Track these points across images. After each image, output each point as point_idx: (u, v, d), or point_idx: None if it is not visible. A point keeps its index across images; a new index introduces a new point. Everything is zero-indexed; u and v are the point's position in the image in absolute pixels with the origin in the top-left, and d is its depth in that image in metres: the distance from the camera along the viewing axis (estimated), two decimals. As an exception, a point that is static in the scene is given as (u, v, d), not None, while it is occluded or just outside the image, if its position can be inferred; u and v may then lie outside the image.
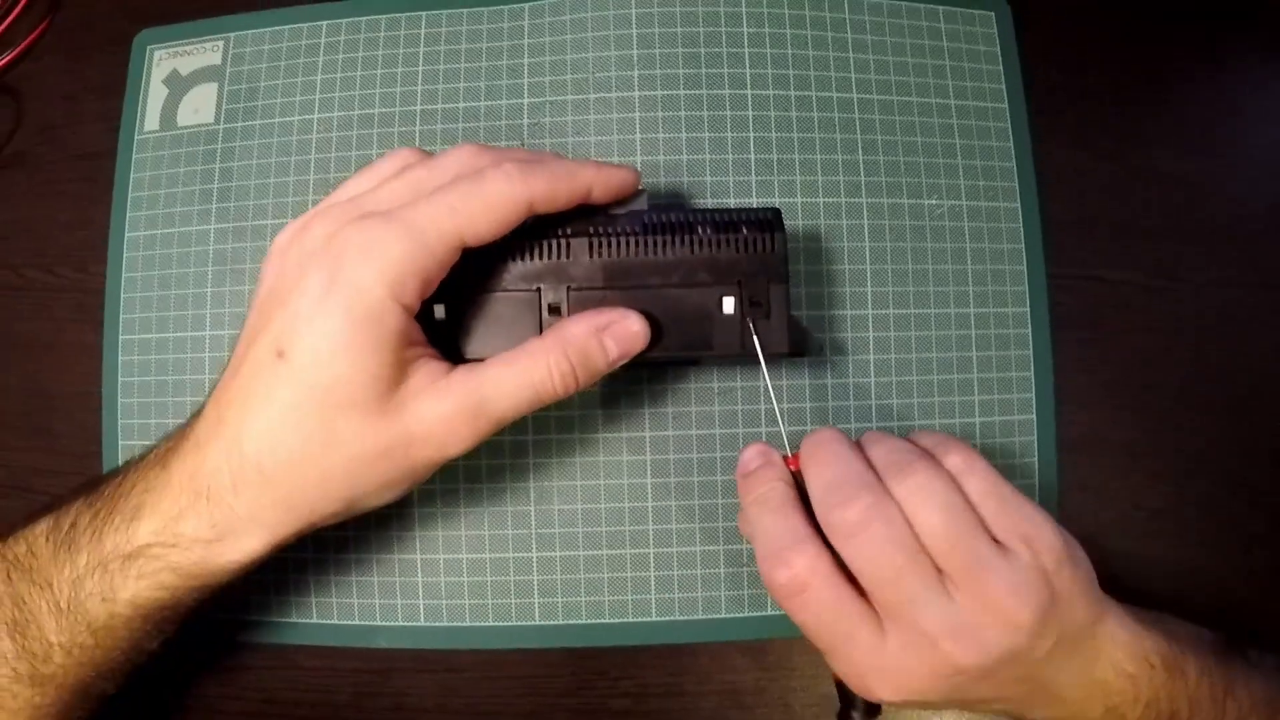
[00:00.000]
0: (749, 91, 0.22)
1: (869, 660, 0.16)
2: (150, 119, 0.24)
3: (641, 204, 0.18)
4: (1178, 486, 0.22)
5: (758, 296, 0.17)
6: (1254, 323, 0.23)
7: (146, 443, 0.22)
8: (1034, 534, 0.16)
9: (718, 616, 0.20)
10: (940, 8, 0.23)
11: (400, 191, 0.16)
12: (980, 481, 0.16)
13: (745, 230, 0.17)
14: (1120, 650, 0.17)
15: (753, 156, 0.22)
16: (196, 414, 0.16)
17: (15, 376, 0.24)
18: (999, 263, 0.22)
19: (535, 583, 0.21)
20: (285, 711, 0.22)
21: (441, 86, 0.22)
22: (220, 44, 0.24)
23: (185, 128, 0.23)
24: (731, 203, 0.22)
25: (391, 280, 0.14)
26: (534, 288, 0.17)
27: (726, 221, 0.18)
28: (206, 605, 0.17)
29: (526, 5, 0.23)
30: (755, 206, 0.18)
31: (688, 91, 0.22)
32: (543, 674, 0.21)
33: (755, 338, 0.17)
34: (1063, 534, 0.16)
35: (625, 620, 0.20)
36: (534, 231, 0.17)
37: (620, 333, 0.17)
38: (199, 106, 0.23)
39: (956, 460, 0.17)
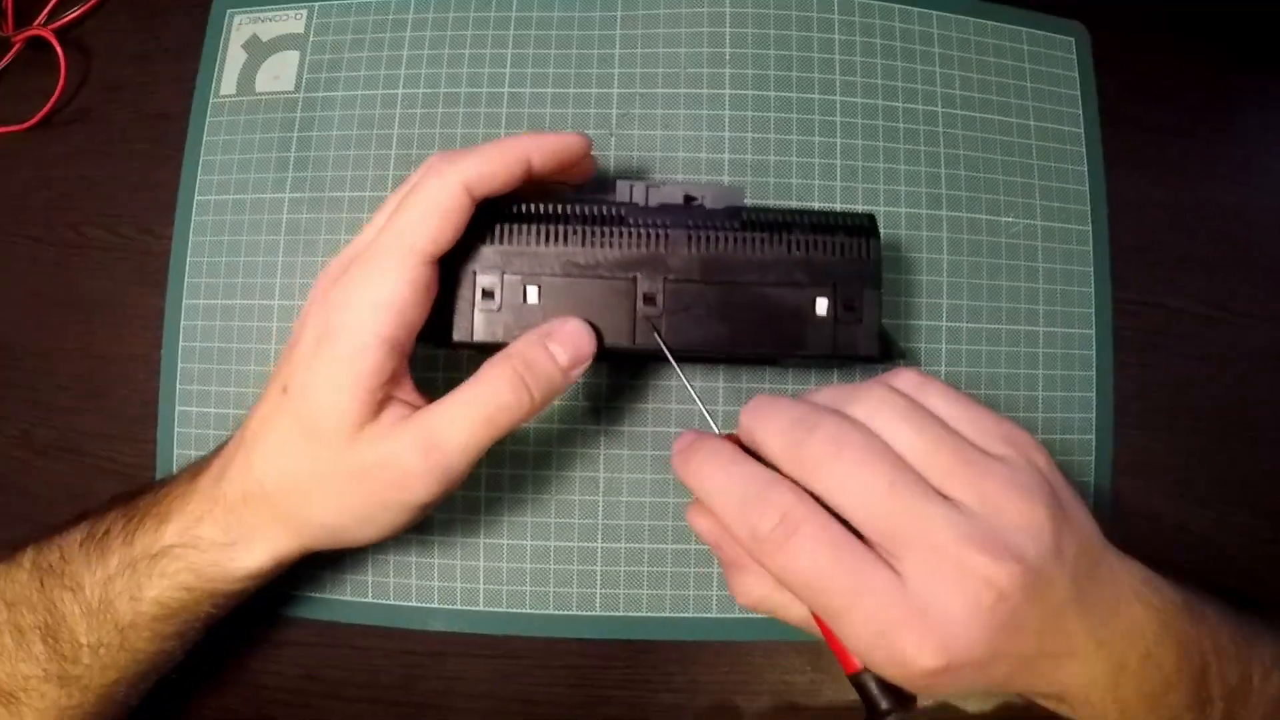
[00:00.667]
0: (838, 98, 0.22)
1: (892, 610, 0.13)
2: (227, 83, 0.23)
3: (738, 199, 0.19)
4: (1223, 514, 0.23)
5: (850, 300, 0.18)
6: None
7: (204, 409, 0.22)
8: (1015, 436, 0.14)
9: (779, 617, 0.21)
10: (1024, 29, 0.24)
11: (373, 230, 0.17)
12: (940, 393, 0.15)
13: (842, 234, 0.18)
14: (1140, 581, 0.15)
15: (838, 162, 0.22)
16: (228, 439, 0.18)
17: (71, 337, 0.24)
18: (1068, 284, 0.23)
19: (598, 573, 0.21)
20: (330, 690, 0.22)
21: (531, 71, 0.22)
22: (304, 12, 0.24)
23: (264, 94, 0.23)
24: (816, 206, 0.22)
25: (370, 320, 0.16)
26: (630, 276, 0.17)
27: (823, 224, 0.18)
28: (220, 617, 0.18)
29: (620, -3, 0.23)
30: (849, 211, 0.18)
31: (778, 93, 0.22)
32: (596, 665, 0.21)
33: (847, 339, 0.17)
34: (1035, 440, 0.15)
35: (683, 615, 0.21)
36: (628, 221, 0.17)
37: (562, 336, 0.17)
38: (279, 73, 0.23)
39: (909, 377, 0.15)
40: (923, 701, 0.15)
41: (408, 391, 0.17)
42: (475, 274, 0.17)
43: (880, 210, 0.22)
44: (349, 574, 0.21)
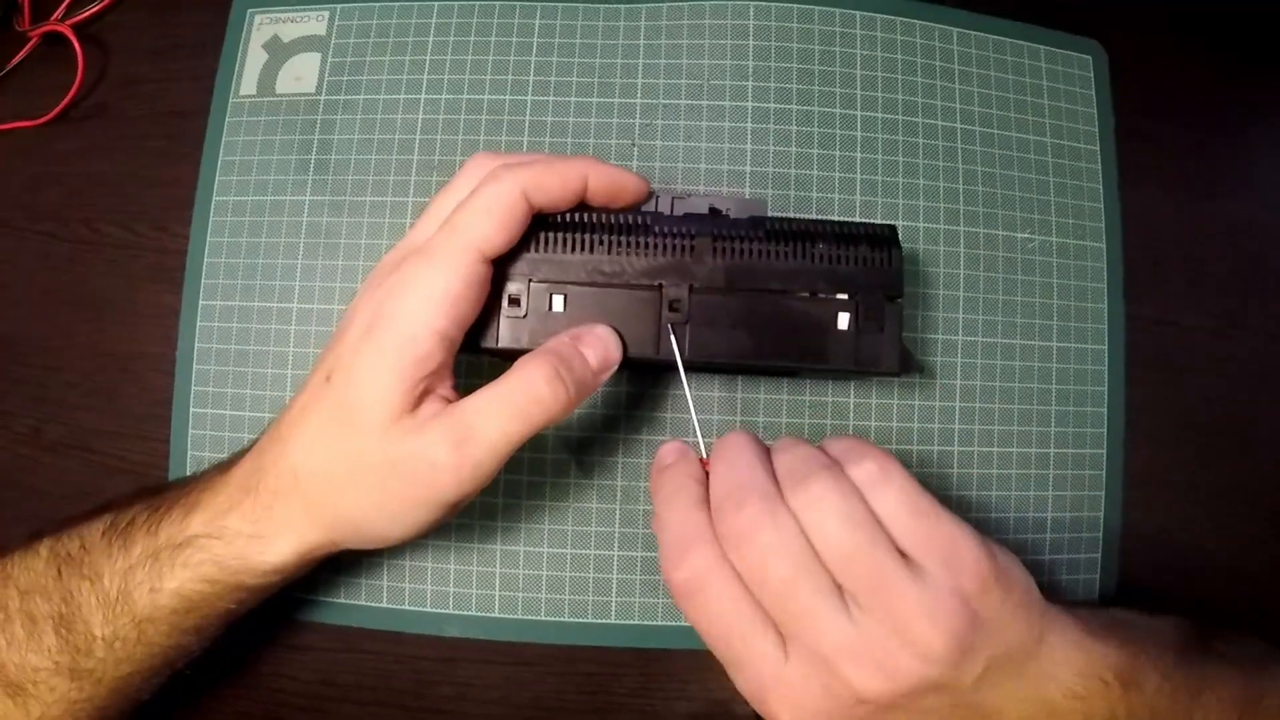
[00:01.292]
0: (858, 112, 0.23)
1: (769, 677, 0.15)
2: (247, 83, 0.24)
3: (761, 210, 0.19)
4: (1232, 528, 0.23)
5: (872, 311, 0.18)
6: (1314, 377, 0.24)
7: (219, 411, 0.22)
8: (955, 553, 0.15)
9: (794, 627, 0.21)
10: (1042, 48, 0.24)
11: (427, 225, 0.18)
12: (896, 492, 0.15)
13: (864, 245, 0.18)
14: (1067, 669, 0.16)
15: (858, 176, 0.22)
16: (263, 431, 0.18)
17: (82, 334, 0.24)
18: (1082, 300, 0.23)
19: (614, 581, 0.21)
20: (343, 694, 0.22)
21: (554, 79, 0.23)
22: (326, 15, 0.24)
23: (284, 95, 0.23)
24: (836, 218, 0.22)
25: (421, 310, 0.16)
26: (655, 284, 0.18)
27: (845, 234, 0.18)
28: (240, 614, 0.18)
29: (644, 6, 0.23)
30: (871, 222, 0.19)
31: (800, 107, 0.22)
32: (611, 673, 0.21)
33: (867, 352, 0.18)
34: (991, 551, 0.15)
35: (698, 625, 0.21)
36: (653, 230, 0.18)
37: (590, 339, 0.17)
38: (300, 75, 0.23)
39: (871, 468, 0.15)
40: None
41: (448, 389, 0.17)
42: (503, 281, 0.18)
43: (899, 224, 0.22)
44: (364, 579, 0.21)
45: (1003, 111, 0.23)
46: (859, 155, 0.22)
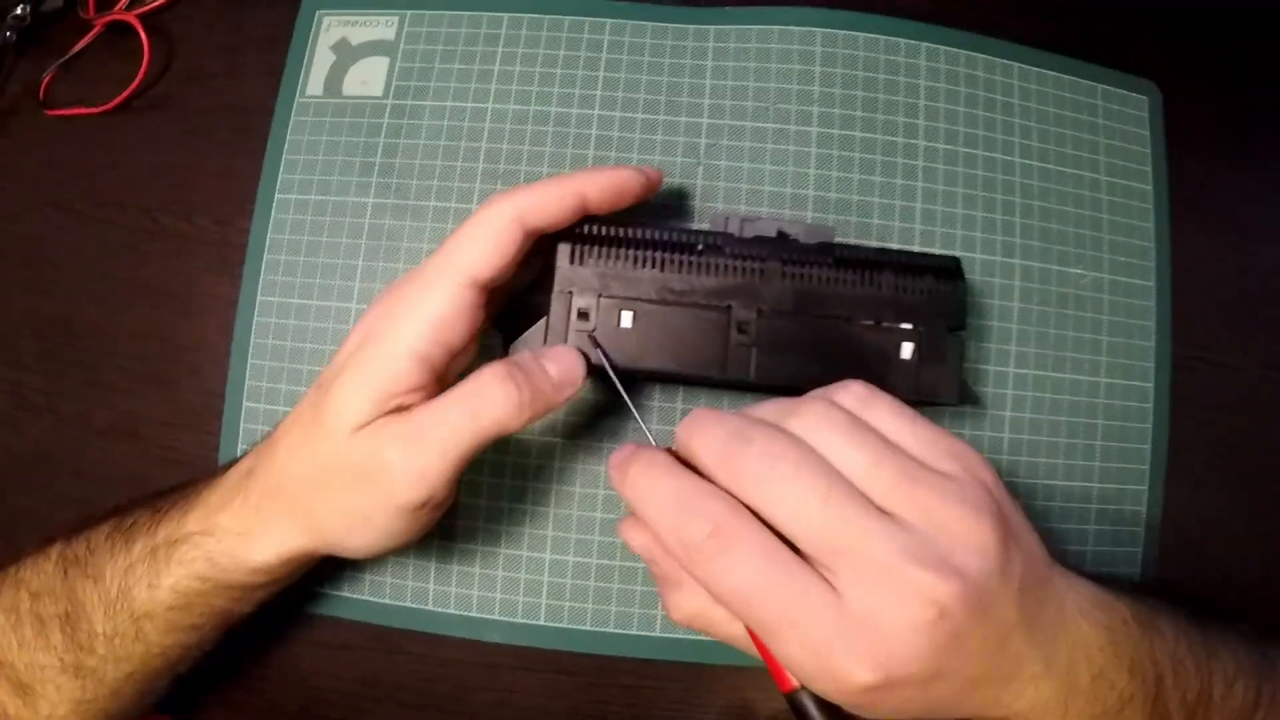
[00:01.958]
0: (920, 142, 0.23)
1: (827, 625, 0.13)
2: (314, 83, 0.24)
3: (829, 236, 0.19)
4: (1270, 569, 0.24)
5: (935, 342, 0.18)
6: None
7: (271, 406, 0.23)
8: (962, 453, 0.14)
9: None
10: (1099, 86, 0.25)
11: (432, 253, 0.18)
12: (888, 408, 0.15)
13: (929, 276, 0.19)
14: (1088, 600, 0.15)
15: (918, 205, 0.23)
16: (261, 438, 0.19)
17: (137, 320, 0.24)
18: (1129, 337, 0.24)
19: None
20: (384, 694, 0.22)
21: (621, 95, 0.23)
22: (396, 19, 0.24)
23: (351, 97, 0.24)
24: (895, 246, 0.22)
25: (405, 332, 0.17)
26: (724, 305, 0.18)
27: (911, 265, 0.19)
28: (237, 616, 0.19)
29: (713, 28, 0.24)
30: (937, 253, 0.19)
31: (863, 134, 0.23)
32: (652, 685, 0.22)
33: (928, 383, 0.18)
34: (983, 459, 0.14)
35: (740, 643, 0.21)
36: (724, 251, 0.18)
37: (553, 354, 0.18)
38: (367, 78, 0.24)
39: (857, 389, 0.15)
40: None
41: (425, 398, 0.17)
42: (572, 295, 0.18)
43: (958, 255, 0.23)
44: (410, 581, 0.22)
45: (1059, 148, 0.24)
46: (919, 184, 0.23)
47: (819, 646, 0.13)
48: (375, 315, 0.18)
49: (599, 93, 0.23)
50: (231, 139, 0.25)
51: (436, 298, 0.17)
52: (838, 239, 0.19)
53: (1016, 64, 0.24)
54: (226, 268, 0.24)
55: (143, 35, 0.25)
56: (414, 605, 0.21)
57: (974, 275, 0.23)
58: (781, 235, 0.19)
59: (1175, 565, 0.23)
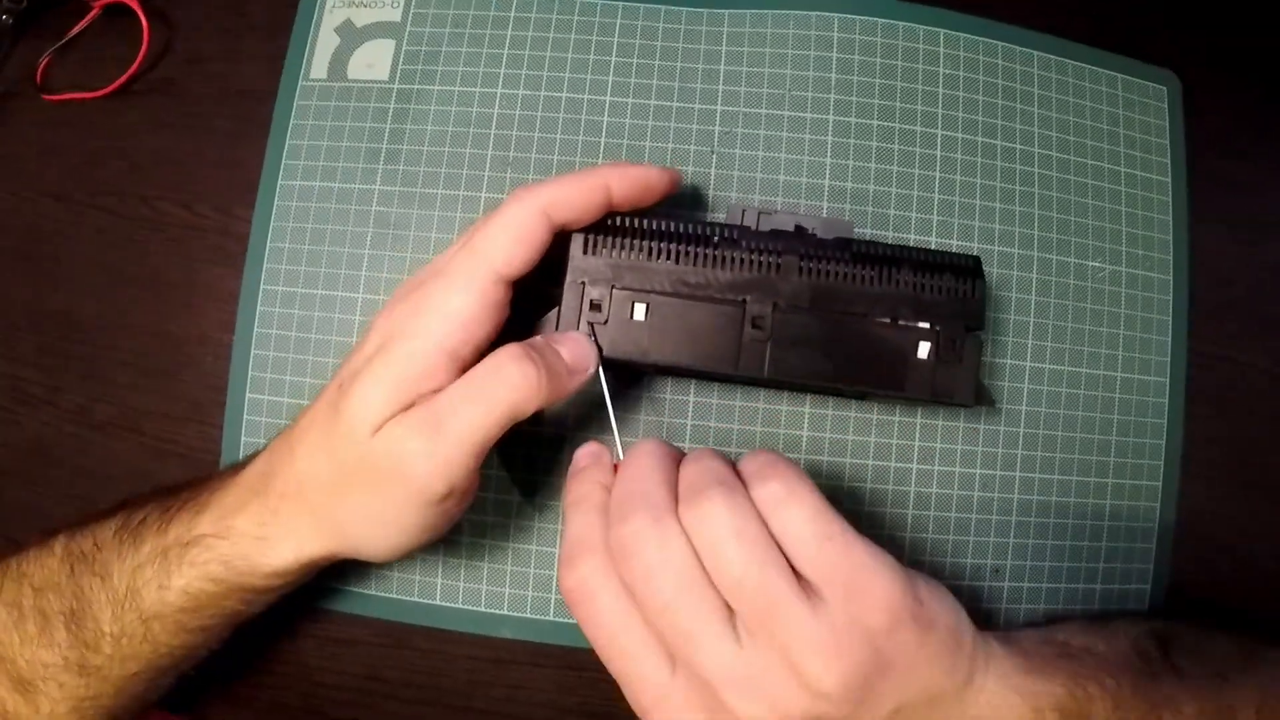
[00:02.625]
0: (939, 131, 0.23)
1: (653, 695, 0.14)
2: (317, 67, 0.24)
3: (848, 231, 0.19)
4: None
5: (952, 342, 0.18)
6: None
7: (276, 398, 0.23)
8: (862, 583, 0.14)
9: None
10: (1119, 75, 0.24)
11: (450, 250, 0.18)
12: (803, 513, 0.14)
13: (948, 274, 0.18)
14: (1004, 710, 0.15)
15: (936, 196, 0.23)
16: (276, 436, 0.19)
17: (138, 312, 0.24)
18: (1146, 331, 0.24)
19: (672, 591, 0.21)
20: (391, 691, 0.22)
21: (634, 80, 0.23)
22: (402, 0, 0.24)
23: (356, 81, 0.23)
24: (912, 239, 0.22)
25: (435, 330, 0.16)
26: (740, 299, 0.18)
27: (930, 262, 0.19)
28: (246, 617, 0.19)
29: (727, 13, 0.23)
30: (957, 252, 0.19)
31: (881, 122, 0.23)
32: (662, 683, 0.22)
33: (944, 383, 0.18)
34: (910, 584, 0.14)
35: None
36: (741, 244, 0.18)
37: (565, 339, 0.17)
38: (373, 61, 0.23)
39: (776, 487, 0.15)
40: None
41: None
42: (585, 285, 0.18)
43: (974, 247, 0.23)
44: (418, 575, 0.22)
45: (1078, 138, 0.24)
46: (937, 174, 0.23)
47: (641, 710, 0.15)
48: (399, 314, 0.17)
49: (611, 78, 0.23)
50: (233, 125, 0.24)
51: (465, 295, 0.16)
52: (856, 233, 0.19)
53: (1036, 53, 0.24)
54: (229, 257, 0.23)
55: (142, 17, 0.25)
56: (422, 600, 0.21)
57: (990, 267, 0.23)
58: (799, 229, 0.19)
59: (1189, 562, 0.23)
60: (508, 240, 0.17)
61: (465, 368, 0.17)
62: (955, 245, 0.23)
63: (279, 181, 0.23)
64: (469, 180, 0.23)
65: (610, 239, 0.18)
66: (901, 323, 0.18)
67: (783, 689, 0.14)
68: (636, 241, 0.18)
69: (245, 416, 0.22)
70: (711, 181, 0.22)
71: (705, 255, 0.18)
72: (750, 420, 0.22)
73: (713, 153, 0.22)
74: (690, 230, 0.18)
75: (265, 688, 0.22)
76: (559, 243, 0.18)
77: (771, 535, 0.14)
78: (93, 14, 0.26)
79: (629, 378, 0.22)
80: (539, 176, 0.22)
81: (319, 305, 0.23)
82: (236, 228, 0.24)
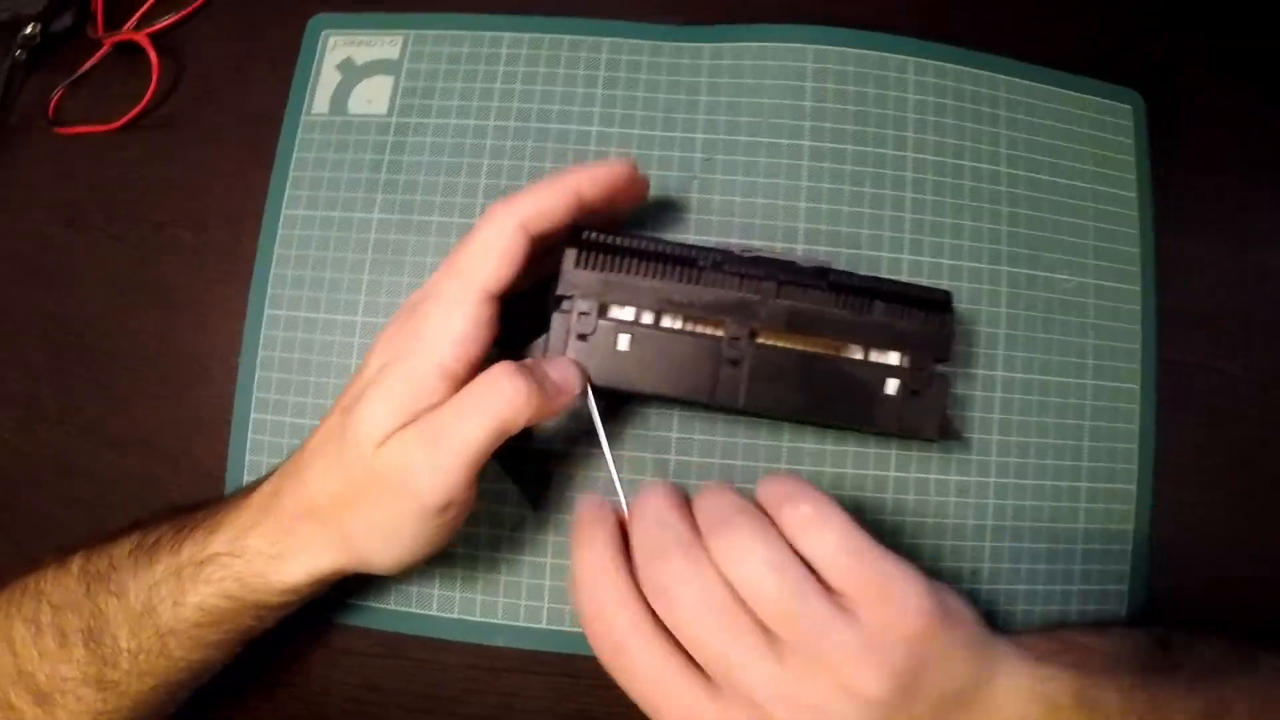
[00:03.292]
0: (909, 154, 0.25)
1: (691, 711, 0.15)
2: (319, 101, 0.26)
3: (823, 259, 0.21)
4: (1263, 576, 0.25)
5: (920, 376, 0.20)
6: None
7: (279, 418, 0.24)
8: (896, 593, 0.15)
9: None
10: (1085, 96, 0.26)
11: (437, 274, 0.19)
12: (832, 534, 0.16)
13: (919, 307, 0.20)
14: (1022, 699, 0.16)
15: (907, 215, 0.24)
16: (286, 458, 0.20)
17: (150, 330, 0.26)
18: (1115, 340, 0.25)
19: (661, 598, 0.23)
20: (390, 699, 0.23)
21: (618, 111, 0.25)
22: (400, 39, 0.26)
23: (356, 115, 0.25)
24: (884, 258, 0.24)
25: (431, 351, 0.18)
26: (717, 333, 0.20)
27: (902, 294, 0.20)
28: (261, 631, 0.20)
29: (708, 45, 0.25)
30: (929, 285, 0.21)
31: (854, 146, 0.25)
32: (653, 688, 0.23)
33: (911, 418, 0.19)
34: (934, 589, 0.16)
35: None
36: (723, 268, 0.20)
37: (554, 363, 0.19)
38: (372, 97, 0.25)
39: (807, 510, 0.16)
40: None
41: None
42: (570, 313, 0.20)
43: (944, 263, 0.25)
44: (416, 586, 0.23)
45: (1045, 157, 0.26)
46: (908, 195, 0.25)
47: None
48: (399, 338, 0.18)
49: (597, 109, 0.25)
50: (240, 156, 0.26)
51: (458, 316, 0.18)
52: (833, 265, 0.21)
53: (1003, 76, 0.26)
54: (235, 280, 0.25)
55: (152, 55, 0.27)
56: (418, 610, 0.23)
57: (961, 281, 0.24)
58: (780, 260, 0.20)
59: (1165, 571, 0.25)
60: (489, 258, 0.18)
61: (461, 384, 0.18)
62: (926, 262, 0.24)
63: (283, 210, 0.25)
64: (463, 208, 0.24)
65: (601, 256, 0.19)
66: (873, 358, 0.20)
67: (832, 701, 0.15)
68: (626, 260, 0.19)
69: (250, 435, 0.24)
70: (694, 206, 0.24)
71: (689, 275, 0.19)
72: (731, 432, 0.23)
73: (694, 178, 0.24)
74: (676, 251, 0.20)
75: (270, 698, 0.24)
76: (548, 250, 0.20)
77: (800, 556, 0.15)
78: (103, 50, 0.28)
79: (615, 403, 0.23)
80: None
81: (320, 328, 0.24)
82: (244, 249, 0.25)
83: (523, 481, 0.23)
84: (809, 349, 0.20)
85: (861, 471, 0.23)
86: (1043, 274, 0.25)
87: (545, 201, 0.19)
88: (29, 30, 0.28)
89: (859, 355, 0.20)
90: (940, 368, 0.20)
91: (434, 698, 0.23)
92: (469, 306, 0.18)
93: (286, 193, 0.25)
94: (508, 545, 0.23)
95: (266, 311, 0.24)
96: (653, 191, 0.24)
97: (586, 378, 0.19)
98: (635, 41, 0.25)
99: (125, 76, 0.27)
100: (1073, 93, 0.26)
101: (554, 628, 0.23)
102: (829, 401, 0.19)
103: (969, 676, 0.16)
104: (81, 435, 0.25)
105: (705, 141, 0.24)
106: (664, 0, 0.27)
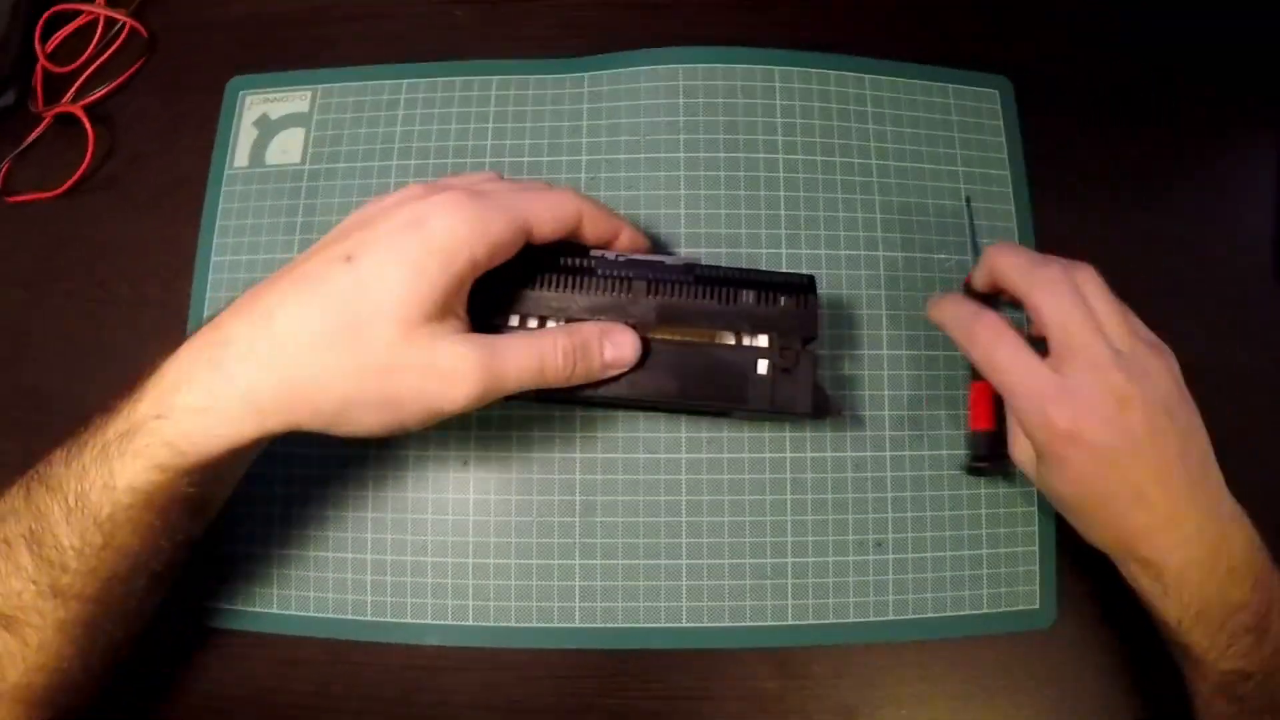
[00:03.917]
0: (780, 156, 0.27)
1: (1048, 389, 0.20)
2: (240, 156, 0.29)
3: (694, 257, 0.23)
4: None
5: (789, 354, 0.22)
6: (1240, 379, 0.28)
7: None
8: (1159, 344, 0.22)
9: (743, 625, 0.25)
10: (951, 85, 0.29)
11: (480, 184, 0.21)
12: (1111, 297, 0.22)
13: (784, 291, 0.22)
14: (1237, 510, 0.21)
15: (782, 213, 0.27)
16: (223, 308, 0.19)
17: (100, 385, 0.28)
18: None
19: (577, 588, 0.25)
20: (337, 705, 0.26)
21: (509, 142, 0.28)
22: (309, 94, 0.29)
23: (273, 166, 0.29)
24: (764, 254, 0.27)
25: (470, 234, 0.18)
26: (596, 319, 0.22)
27: (767, 281, 0.22)
28: (205, 500, 0.19)
29: (587, 75, 0.28)
30: (793, 272, 0.23)
31: (727, 155, 0.27)
32: (579, 674, 0.25)
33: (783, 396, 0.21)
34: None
35: (657, 625, 0.25)
36: (597, 272, 0.22)
37: (617, 339, 0.21)
38: (287, 148, 0.29)
39: (1097, 277, 0.22)
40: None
41: (464, 315, 0.19)
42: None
43: (822, 254, 0.27)
44: (350, 595, 0.26)
45: (915, 146, 0.28)
46: (782, 194, 0.27)
47: (1040, 403, 0.20)
48: (421, 207, 0.18)
49: (489, 142, 0.28)
50: (171, 212, 0.30)
51: (504, 228, 0.19)
52: (704, 251, 0.23)
53: (868, 76, 0.29)
54: (173, 328, 0.28)
55: (87, 125, 0.30)
56: (356, 617, 0.25)
57: (839, 269, 0.27)
58: (650, 259, 0.23)
59: (1071, 534, 0.26)
60: (551, 216, 0.20)
61: (468, 285, 0.19)
62: (805, 254, 0.27)
63: (212, 258, 0.28)
64: (373, 241, 0.27)
65: (503, 277, 0.21)
66: (745, 343, 0.22)
67: (1149, 377, 0.21)
68: (510, 270, 0.21)
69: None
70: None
71: (566, 281, 0.22)
72: (632, 428, 0.26)
73: (581, 197, 0.27)
74: (555, 261, 0.22)
75: (222, 711, 0.26)
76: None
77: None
78: (45, 123, 0.32)
79: (518, 403, 0.25)
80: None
81: (252, 363, 0.27)
82: (177, 301, 0.28)
83: (442, 489, 0.26)
84: (684, 339, 0.22)
85: (758, 455, 0.26)
86: (920, 255, 0.27)
87: (598, 219, 0.22)
88: (-25, 109, 0.32)
89: (731, 341, 0.22)
90: (810, 346, 0.22)
91: (380, 699, 0.26)
92: (512, 228, 0.19)
93: (214, 242, 0.28)
94: (432, 549, 0.25)
95: (202, 353, 0.27)
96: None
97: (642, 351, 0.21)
98: (520, 78, 0.29)
99: (66, 146, 0.31)
100: (939, 83, 0.29)
101: (479, 624, 0.25)
102: (704, 386, 0.22)
103: (1206, 451, 0.21)
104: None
105: (589, 162, 0.27)
106: (542, 38, 0.30)
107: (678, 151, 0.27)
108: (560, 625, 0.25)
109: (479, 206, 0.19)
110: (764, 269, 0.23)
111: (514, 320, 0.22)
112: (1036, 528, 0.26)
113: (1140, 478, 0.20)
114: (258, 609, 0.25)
